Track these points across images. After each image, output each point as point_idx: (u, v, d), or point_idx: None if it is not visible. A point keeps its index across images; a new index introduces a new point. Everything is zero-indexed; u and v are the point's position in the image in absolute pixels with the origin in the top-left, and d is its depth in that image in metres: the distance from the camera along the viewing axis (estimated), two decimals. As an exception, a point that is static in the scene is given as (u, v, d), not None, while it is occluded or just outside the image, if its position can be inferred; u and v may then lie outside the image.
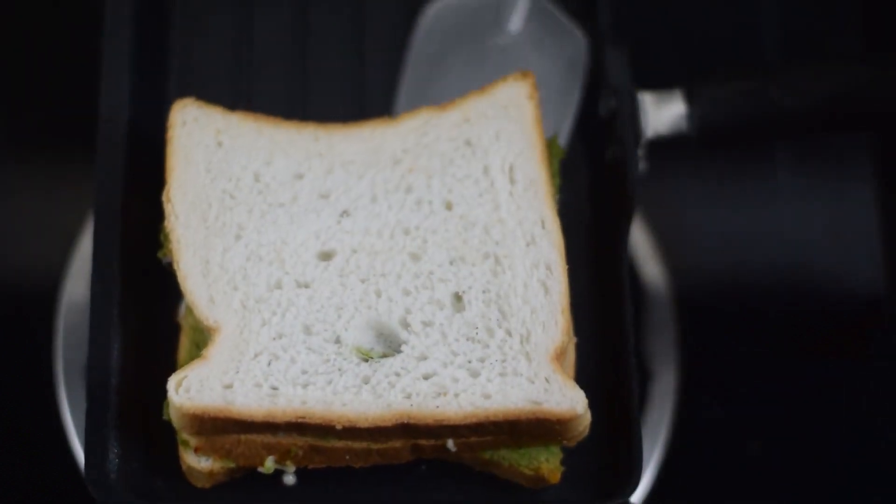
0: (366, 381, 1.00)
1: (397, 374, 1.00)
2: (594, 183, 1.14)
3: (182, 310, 1.06)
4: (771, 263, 1.25)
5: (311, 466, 1.02)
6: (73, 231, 1.24)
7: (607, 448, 1.05)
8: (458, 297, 1.03)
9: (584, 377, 1.06)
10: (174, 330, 1.07)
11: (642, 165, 1.10)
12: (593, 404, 1.05)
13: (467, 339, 1.02)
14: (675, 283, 1.24)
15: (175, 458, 1.02)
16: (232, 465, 1.02)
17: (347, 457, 1.01)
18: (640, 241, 1.25)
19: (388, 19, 1.20)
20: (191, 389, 0.99)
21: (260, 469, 1.02)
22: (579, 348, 1.06)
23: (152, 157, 1.08)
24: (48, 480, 1.17)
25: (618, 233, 1.09)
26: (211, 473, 1.02)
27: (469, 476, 1.05)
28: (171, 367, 1.06)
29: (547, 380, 1.00)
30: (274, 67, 1.18)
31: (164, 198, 1.05)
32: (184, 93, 1.16)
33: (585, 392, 1.04)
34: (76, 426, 1.17)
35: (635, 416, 1.04)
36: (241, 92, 1.17)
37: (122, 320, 1.06)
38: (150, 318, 1.08)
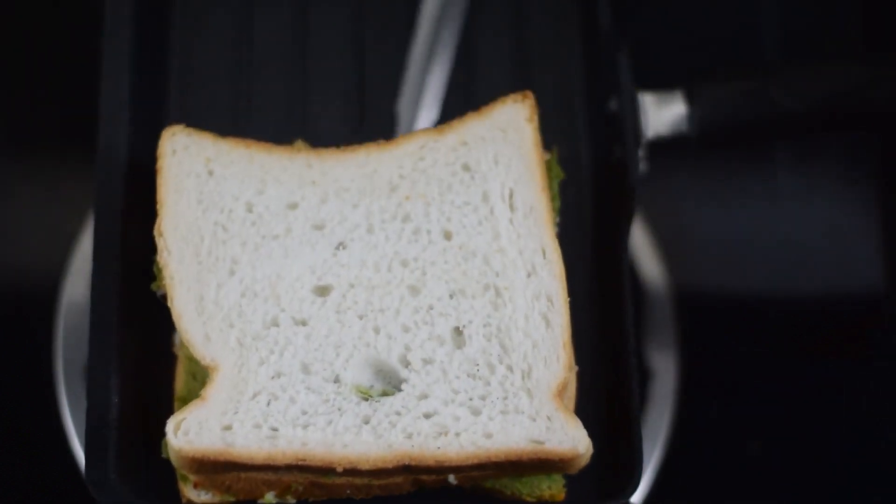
0: (366, 420, 0.98)
1: (398, 414, 0.98)
2: (595, 183, 1.14)
3: (177, 340, 1.05)
4: (771, 263, 1.25)
5: (311, 500, 1.01)
6: (73, 231, 1.24)
7: (607, 448, 1.04)
8: (458, 332, 1.01)
9: (584, 377, 1.05)
10: (174, 329, 1.06)
11: (643, 166, 1.10)
12: (593, 403, 1.05)
13: (468, 376, 1.00)
14: (675, 283, 1.24)
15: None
16: (232, 499, 1.01)
17: (348, 491, 1.00)
18: (640, 241, 1.25)
19: (388, 19, 1.20)
20: (189, 432, 0.97)
21: (260, 502, 1.01)
22: (580, 350, 1.05)
23: (152, 157, 1.07)
24: (48, 480, 1.17)
25: (618, 233, 1.09)
26: None
27: (471, 496, 1.04)
28: (172, 366, 1.06)
29: (549, 418, 0.98)
30: (274, 67, 1.18)
31: (155, 231, 1.03)
32: (183, 94, 1.16)
33: (585, 392, 1.04)
34: (76, 426, 1.17)
35: (635, 416, 1.04)
36: (241, 92, 1.17)
37: (123, 320, 1.05)
38: (150, 317, 1.07)
